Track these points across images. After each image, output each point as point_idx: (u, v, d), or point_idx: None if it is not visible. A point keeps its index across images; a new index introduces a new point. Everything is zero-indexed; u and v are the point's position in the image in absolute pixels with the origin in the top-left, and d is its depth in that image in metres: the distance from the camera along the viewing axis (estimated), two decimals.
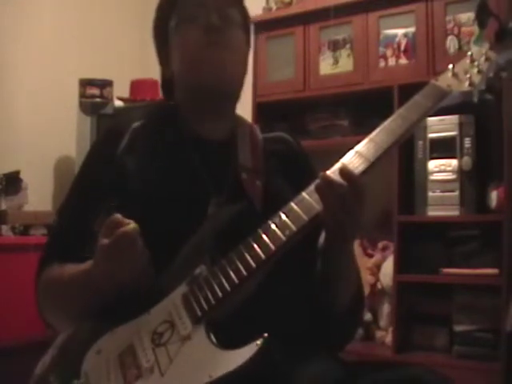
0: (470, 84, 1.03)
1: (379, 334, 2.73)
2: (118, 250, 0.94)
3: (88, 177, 1.17)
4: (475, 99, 1.03)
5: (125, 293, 0.97)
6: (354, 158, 0.96)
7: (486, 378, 2.27)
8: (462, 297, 2.45)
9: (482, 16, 1.07)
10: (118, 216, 0.95)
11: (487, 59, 1.04)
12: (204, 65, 1.12)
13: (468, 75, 1.04)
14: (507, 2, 2.32)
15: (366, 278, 2.69)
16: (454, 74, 1.05)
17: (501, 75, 1.03)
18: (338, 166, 0.95)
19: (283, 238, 0.92)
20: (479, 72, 1.03)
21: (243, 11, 1.20)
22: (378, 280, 2.73)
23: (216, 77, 1.12)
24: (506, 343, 2.22)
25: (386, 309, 2.72)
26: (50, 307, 1.11)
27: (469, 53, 1.06)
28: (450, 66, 1.06)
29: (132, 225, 0.94)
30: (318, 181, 0.93)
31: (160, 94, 3.21)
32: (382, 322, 2.74)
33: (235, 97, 1.20)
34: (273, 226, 0.94)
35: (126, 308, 0.98)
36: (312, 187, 0.95)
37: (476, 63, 1.04)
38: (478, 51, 1.06)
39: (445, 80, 1.05)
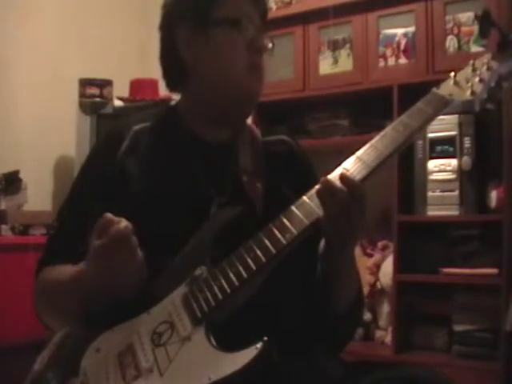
0: (472, 93, 1.03)
1: (379, 333, 2.73)
2: (111, 250, 0.93)
3: (88, 179, 1.16)
4: (477, 108, 1.03)
5: (116, 299, 0.96)
6: (355, 164, 0.96)
7: (485, 378, 2.27)
8: (462, 297, 2.46)
9: (485, 26, 1.07)
10: (109, 215, 0.95)
11: (489, 69, 1.04)
12: (249, 88, 1.13)
13: (470, 84, 1.03)
14: (508, 12, 2.32)
15: (366, 277, 2.69)
16: (456, 83, 1.05)
17: (502, 85, 1.03)
18: (338, 171, 0.95)
19: (284, 241, 0.93)
20: (481, 81, 1.03)
21: None
22: (377, 280, 2.73)
23: (254, 100, 1.16)
24: (506, 343, 2.22)
25: (385, 309, 2.72)
26: (46, 309, 1.11)
27: (470, 61, 1.06)
28: (452, 74, 1.06)
29: (124, 223, 0.94)
30: (319, 185, 0.94)
31: (159, 94, 3.18)
32: (382, 322, 2.73)
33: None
34: (273, 230, 0.94)
35: (126, 308, 0.97)
36: (313, 191, 0.95)
37: (478, 72, 1.04)
38: (480, 61, 1.06)
39: (446, 88, 1.05)
